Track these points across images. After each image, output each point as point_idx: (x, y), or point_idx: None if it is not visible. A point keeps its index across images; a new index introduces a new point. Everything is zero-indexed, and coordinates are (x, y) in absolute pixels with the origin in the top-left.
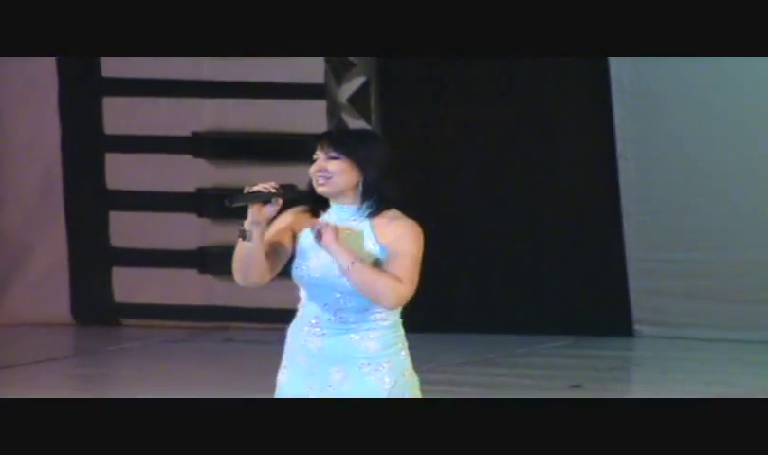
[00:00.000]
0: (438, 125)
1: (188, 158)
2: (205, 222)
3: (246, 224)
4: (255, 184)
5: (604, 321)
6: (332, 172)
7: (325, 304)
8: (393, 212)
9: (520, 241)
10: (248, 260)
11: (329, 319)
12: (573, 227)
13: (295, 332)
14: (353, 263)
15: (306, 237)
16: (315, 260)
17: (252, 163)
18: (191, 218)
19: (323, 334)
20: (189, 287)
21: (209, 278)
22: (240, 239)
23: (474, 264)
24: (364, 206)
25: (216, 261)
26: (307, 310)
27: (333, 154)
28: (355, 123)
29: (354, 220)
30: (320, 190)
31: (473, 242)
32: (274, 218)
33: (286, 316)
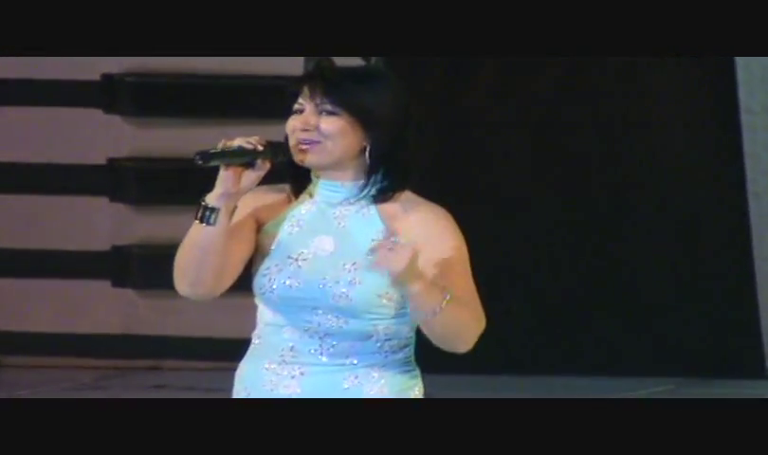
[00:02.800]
0: (470, 79)
1: (95, 114)
2: (121, 209)
3: (212, 197)
4: (233, 139)
5: (723, 358)
6: (327, 133)
7: (307, 329)
8: (408, 195)
9: (594, 244)
10: (205, 252)
11: (312, 352)
12: (674, 223)
13: (253, 373)
14: (446, 299)
15: (279, 228)
16: (292, 263)
17: (195, 120)
18: (100, 203)
19: (302, 373)
20: (99, 308)
21: (128, 293)
22: (197, 220)
23: (528, 281)
24: (371, 184)
25: (139, 267)
26: (275, 338)
27: (329, 106)
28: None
29: (351, 203)
30: (303, 158)
31: (526, 249)
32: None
33: (244, 349)
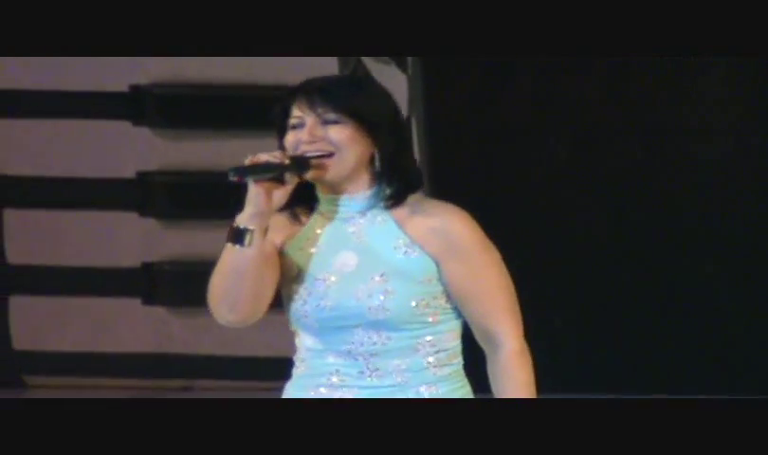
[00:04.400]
0: (508, 86)
1: (124, 126)
2: (151, 224)
3: (244, 218)
4: (257, 155)
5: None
6: (336, 142)
7: (349, 351)
8: (418, 197)
9: (638, 254)
10: (242, 276)
11: (359, 374)
12: (720, 234)
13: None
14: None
15: (298, 251)
16: (320, 284)
17: (226, 132)
18: (130, 218)
19: (353, 396)
20: (129, 326)
21: (159, 311)
22: (230, 243)
23: (570, 293)
24: (380, 191)
25: (170, 284)
26: (319, 362)
27: (331, 114)
28: (381, 70)
29: (363, 215)
30: (323, 174)
31: (567, 260)
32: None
33: (281, 368)
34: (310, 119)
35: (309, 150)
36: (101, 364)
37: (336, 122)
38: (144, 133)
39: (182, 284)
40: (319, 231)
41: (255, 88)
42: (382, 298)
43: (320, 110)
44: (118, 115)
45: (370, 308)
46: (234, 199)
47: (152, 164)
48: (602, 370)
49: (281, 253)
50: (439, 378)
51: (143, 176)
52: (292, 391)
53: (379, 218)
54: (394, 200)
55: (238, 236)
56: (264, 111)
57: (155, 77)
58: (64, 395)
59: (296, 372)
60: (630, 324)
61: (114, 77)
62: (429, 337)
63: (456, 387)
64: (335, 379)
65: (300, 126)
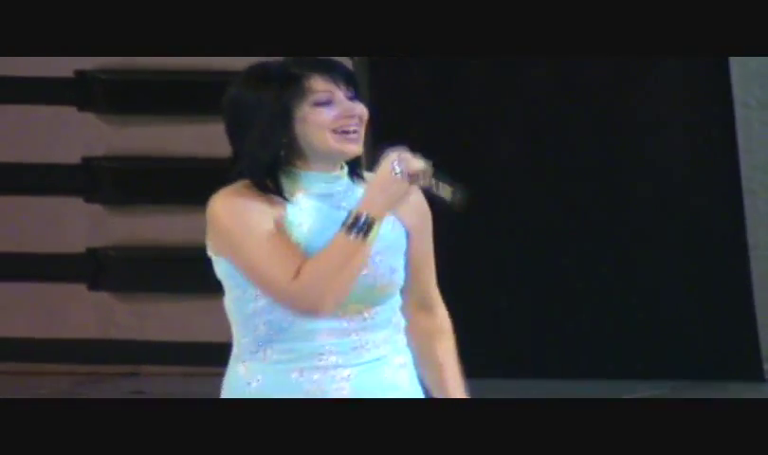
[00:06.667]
0: (461, 79)
1: (69, 112)
2: (97, 210)
3: (376, 207)
4: (413, 161)
5: (719, 359)
6: (365, 119)
7: (344, 328)
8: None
9: (590, 245)
10: (358, 268)
11: (354, 350)
12: (670, 222)
13: (279, 382)
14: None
15: (291, 232)
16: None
17: (171, 117)
18: (75, 204)
19: (349, 375)
20: (74, 312)
21: (104, 297)
22: (353, 233)
23: (523, 283)
24: (355, 167)
25: (116, 270)
26: (304, 345)
27: (354, 93)
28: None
29: (352, 191)
30: (354, 149)
31: (521, 252)
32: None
33: (226, 353)
34: (340, 95)
35: (349, 123)
36: (47, 349)
37: (357, 98)
38: (90, 118)
39: (127, 270)
40: (309, 209)
41: (201, 74)
42: (390, 273)
43: (343, 86)
44: (63, 100)
45: (380, 284)
46: (180, 185)
47: (97, 150)
48: (549, 354)
49: (279, 231)
50: (402, 347)
51: (89, 162)
52: (265, 378)
53: (359, 194)
54: (357, 174)
55: (366, 226)
56: (208, 97)
57: (100, 62)
58: (9, 380)
59: (261, 355)
60: (583, 309)
61: (59, 62)
62: (397, 307)
63: (411, 356)
64: (332, 358)
65: (328, 102)
